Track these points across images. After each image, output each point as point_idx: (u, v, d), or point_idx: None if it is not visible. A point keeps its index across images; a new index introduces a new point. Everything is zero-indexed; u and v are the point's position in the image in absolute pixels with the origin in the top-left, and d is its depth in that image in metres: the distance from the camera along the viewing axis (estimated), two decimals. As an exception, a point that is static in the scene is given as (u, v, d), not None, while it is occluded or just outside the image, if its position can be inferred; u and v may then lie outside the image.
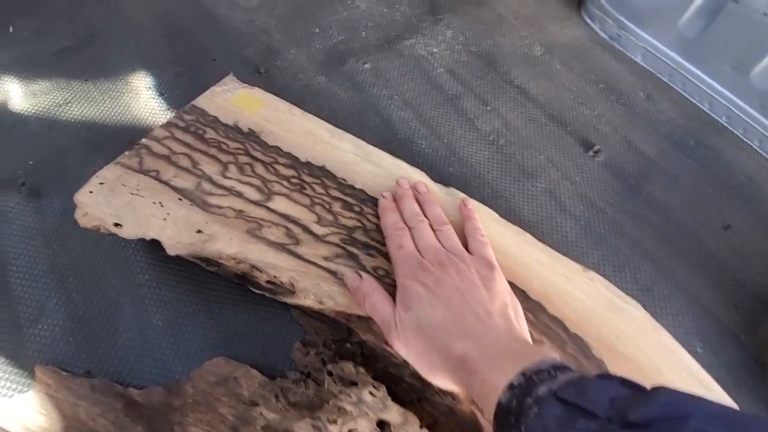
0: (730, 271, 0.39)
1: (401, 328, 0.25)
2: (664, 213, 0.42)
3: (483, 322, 0.24)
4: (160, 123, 0.41)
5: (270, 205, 0.32)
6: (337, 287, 0.29)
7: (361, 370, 0.28)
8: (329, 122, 0.44)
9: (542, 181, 0.42)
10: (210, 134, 0.35)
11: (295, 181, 0.33)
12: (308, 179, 0.34)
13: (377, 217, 0.32)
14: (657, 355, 0.29)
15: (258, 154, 0.35)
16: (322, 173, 0.34)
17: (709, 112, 0.50)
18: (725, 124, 0.49)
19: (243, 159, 0.34)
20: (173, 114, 0.42)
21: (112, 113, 0.42)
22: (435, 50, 0.52)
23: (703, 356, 0.34)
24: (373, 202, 0.33)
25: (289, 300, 0.29)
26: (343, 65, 0.49)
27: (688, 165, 0.45)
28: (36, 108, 0.42)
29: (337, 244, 0.31)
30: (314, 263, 0.30)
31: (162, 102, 0.43)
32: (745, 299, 0.38)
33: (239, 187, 0.32)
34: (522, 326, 0.26)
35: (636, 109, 0.50)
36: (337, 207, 0.32)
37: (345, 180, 0.34)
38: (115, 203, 0.31)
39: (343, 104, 0.46)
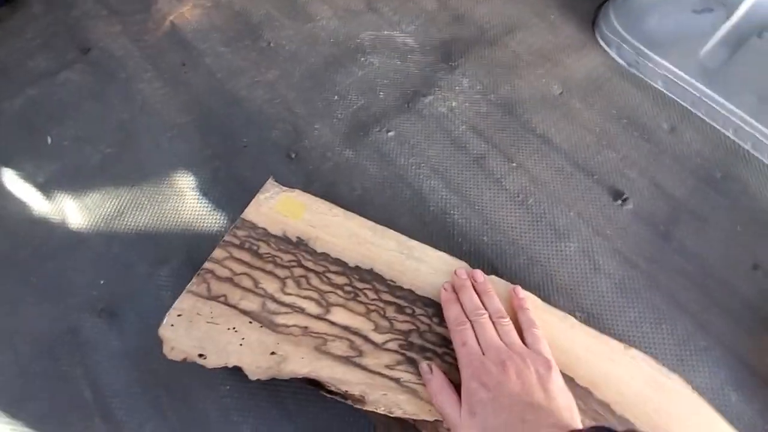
0: (762, 314, 0.41)
1: (467, 429, 0.29)
2: (696, 260, 0.43)
3: (542, 429, 0.27)
4: (209, 227, 0.44)
5: (330, 317, 0.35)
6: (404, 396, 0.32)
7: (436, 468, 0.31)
8: (363, 201, 0.46)
9: (574, 240, 0.44)
10: (264, 248, 0.38)
11: (348, 289, 0.36)
12: (360, 285, 0.36)
13: (428, 317, 0.35)
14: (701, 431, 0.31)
15: (310, 264, 0.37)
16: (372, 277, 0.37)
17: (734, 138, 0.50)
18: (751, 151, 0.49)
19: (298, 272, 0.37)
20: (221, 218, 0.45)
21: (163, 220, 0.45)
22: (454, 104, 0.53)
23: (737, 405, 0.37)
24: (423, 302, 0.36)
25: (361, 407, 0.33)
26: (367, 135, 0.51)
27: (716, 202, 0.46)
28: (93, 223, 0.45)
29: (396, 351, 0.34)
30: (379, 373, 0.33)
31: (206, 202, 0.46)
32: (781, 343, 0.39)
33: (300, 303, 0.36)
34: (577, 425, 0.29)
35: (660, 145, 0.50)
36: (390, 312, 0.35)
37: (393, 281, 0.36)
38: (195, 334, 0.34)
39: (374, 179, 0.48)
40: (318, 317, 0.35)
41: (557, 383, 0.30)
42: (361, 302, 0.36)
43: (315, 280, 0.36)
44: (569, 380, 0.32)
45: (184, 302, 0.36)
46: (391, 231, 0.39)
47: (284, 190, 0.41)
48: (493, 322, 0.33)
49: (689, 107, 0.52)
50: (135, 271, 0.43)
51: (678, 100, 0.53)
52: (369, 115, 0.52)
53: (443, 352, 0.33)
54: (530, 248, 0.44)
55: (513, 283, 0.37)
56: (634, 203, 0.46)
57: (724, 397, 0.37)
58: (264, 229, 0.39)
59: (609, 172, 0.48)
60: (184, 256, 0.43)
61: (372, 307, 0.35)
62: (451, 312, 0.34)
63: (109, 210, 0.46)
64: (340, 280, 0.37)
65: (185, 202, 0.46)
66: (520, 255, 0.43)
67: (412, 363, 0.33)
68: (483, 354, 0.31)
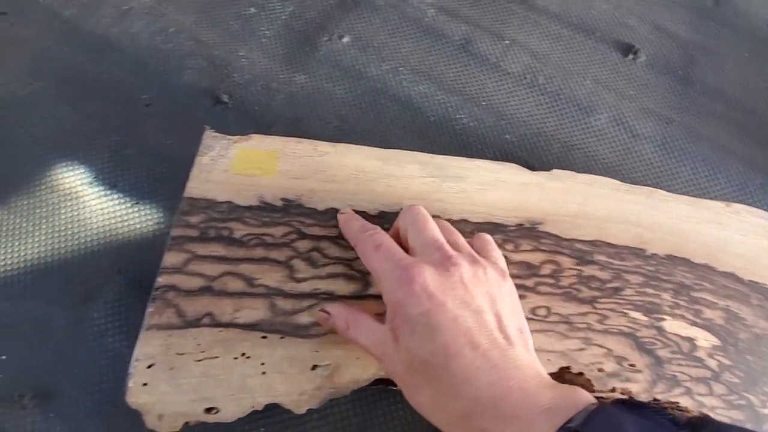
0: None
1: (392, 363, 0.20)
2: (721, 96, 0.39)
3: (497, 358, 0.19)
4: (137, 229, 0.30)
5: (374, 290, 0.25)
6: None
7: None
8: (343, 134, 0.35)
9: (602, 110, 0.37)
10: (240, 229, 0.25)
11: (382, 245, 0.26)
12: (396, 235, 0.26)
13: (498, 246, 0.26)
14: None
15: (315, 230, 0.26)
16: (407, 219, 0.26)
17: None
18: (733, -31, 0.45)
19: (303, 245, 0.25)
20: (150, 212, 0.30)
21: (62, 241, 0.30)
22: (409, -14, 0.41)
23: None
24: (484, 230, 0.26)
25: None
26: (316, 50, 0.37)
27: (718, 32, 0.42)
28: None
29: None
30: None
31: (119, 196, 0.31)
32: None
33: (324, 285, 0.24)
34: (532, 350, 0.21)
35: (646, -17, 0.44)
36: (450, 256, 0.26)
37: (438, 217, 0.27)
38: (187, 384, 0.22)
39: (347, 103, 0.35)
40: (356, 296, 0.24)
41: (514, 294, 0.22)
42: (406, 257, 0.26)
43: (332, 249, 0.25)
44: (684, 262, 0.26)
45: (151, 344, 0.23)
46: (405, 152, 0.28)
47: (235, 141, 0.28)
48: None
49: (661, -65, 0.46)
50: (51, 325, 0.28)
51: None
52: (307, 24, 0.39)
53: (536, 283, 0.25)
54: (560, 133, 0.36)
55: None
56: (645, 54, 0.40)
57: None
58: (229, 202, 0.26)
59: (608, 26, 0.41)
60: (117, 282, 0.29)
61: (424, 258, 0.26)
62: (354, 224, 0.24)
63: (-34, 252, 0.29)
64: (367, 237, 0.26)
65: (86, 205, 0.31)
66: (552, 144, 0.35)
67: (503, 310, 0.25)
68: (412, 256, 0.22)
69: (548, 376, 0.19)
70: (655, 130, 0.37)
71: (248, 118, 0.34)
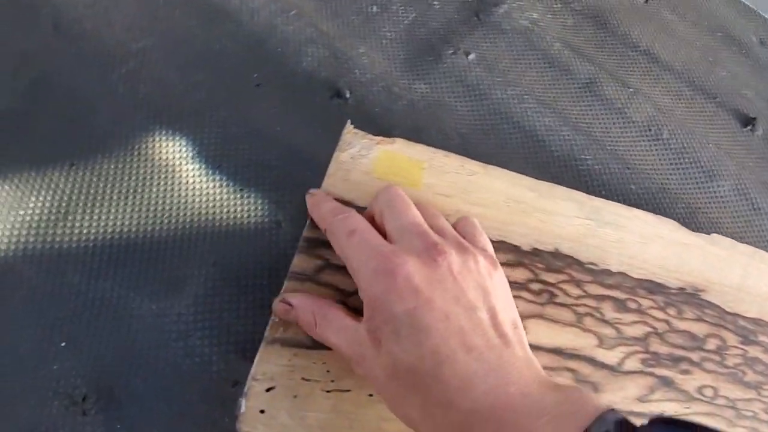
0: None
1: (370, 368, 0.17)
2: (835, 183, 0.38)
3: (494, 361, 0.16)
4: (236, 217, 0.27)
5: (528, 338, 0.21)
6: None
7: None
8: (462, 153, 0.32)
9: (725, 177, 0.35)
10: (381, 242, 0.22)
11: (536, 287, 0.23)
12: (551, 278, 0.23)
13: (660, 309, 0.23)
14: None
15: (463, 256, 0.23)
16: (562, 262, 0.24)
17: (819, 48, 0.46)
18: (840, 61, 0.45)
19: (450, 271, 0.22)
20: (252, 201, 0.27)
21: (149, 217, 0.26)
22: (535, 15, 0.39)
23: None
24: (645, 287, 0.24)
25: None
26: (439, 60, 0.35)
27: (831, 118, 0.42)
28: (13, 240, 0.24)
29: (642, 372, 0.22)
30: (633, 413, 0.21)
31: (220, 177, 0.27)
32: None
33: (473, 323, 0.21)
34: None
35: (759, 60, 0.43)
36: (609, 311, 0.23)
37: (594, 264, 0.24)
38: (314, 419, 0.18)
39: (469, 122, 0.33)
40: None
41: (506, 288, 0.20)
42: (562, 305, 0.23)
43: (484, 282, 0.22)
44: None
45: (272, 362, 0.19)
46: (561, 187, 0.26)
47: (377, 142, 0.25)
48: None
49: (772, 16, 0.46)
50: (127, 314, 0.23)
51: (758, 11, 0.46)
52: (430, 33, 0.37)
53: (702, 358, 0.23)
54: (684, 193, 0.34)
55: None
56: (762, 128, 0.39)
57: None
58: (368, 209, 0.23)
59: (727, 93, 0.40)
60: (210, 275, 0.25)
61: (581, 310, 0.23)
62: (325, 206, 0.21)
63: (37, 213, 0.25)
64: (519, 274, 0.23)
65: (184, 183, 0.27)
66: (676, 203, 0.33)
67: (670, 385, 0.22)
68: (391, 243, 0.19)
69: (547, 376, 0.17)
70: (776, 207, 0.35)
71: (367, 119, 0.31)
